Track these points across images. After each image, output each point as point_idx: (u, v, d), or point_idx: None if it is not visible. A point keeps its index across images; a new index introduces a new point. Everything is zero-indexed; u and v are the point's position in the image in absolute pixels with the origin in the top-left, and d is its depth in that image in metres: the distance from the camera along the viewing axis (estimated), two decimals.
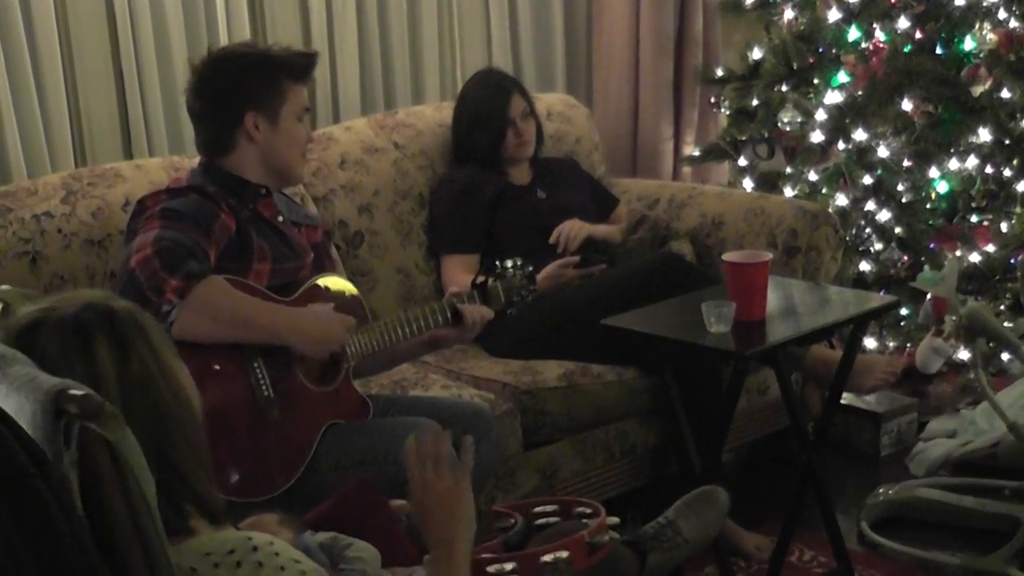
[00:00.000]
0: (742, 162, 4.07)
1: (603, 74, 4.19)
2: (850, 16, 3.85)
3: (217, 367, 2.24)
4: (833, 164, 3.82)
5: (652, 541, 2.10)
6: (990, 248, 3.68)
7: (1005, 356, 3.59)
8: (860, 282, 3.83)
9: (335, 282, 2.55)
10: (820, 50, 3.93)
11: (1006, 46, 3.59)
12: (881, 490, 3.17)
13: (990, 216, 3.73)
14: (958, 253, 3.67)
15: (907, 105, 3.69)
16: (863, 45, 3.83)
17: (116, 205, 2.72)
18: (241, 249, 2.38)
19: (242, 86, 2.44)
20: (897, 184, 3.80)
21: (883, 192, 3.82)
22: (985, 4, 3.65)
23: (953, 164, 3.73)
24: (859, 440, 3.55)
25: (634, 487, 3.10)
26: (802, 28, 3.96)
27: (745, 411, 3.21)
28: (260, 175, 2.49)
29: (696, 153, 4.18)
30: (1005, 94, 3.61)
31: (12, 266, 2.57)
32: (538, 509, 2.07)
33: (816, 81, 3.93)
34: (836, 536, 2.82)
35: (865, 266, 3.86)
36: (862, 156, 3.80)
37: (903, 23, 3.75)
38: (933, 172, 3.76)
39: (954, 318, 2.83)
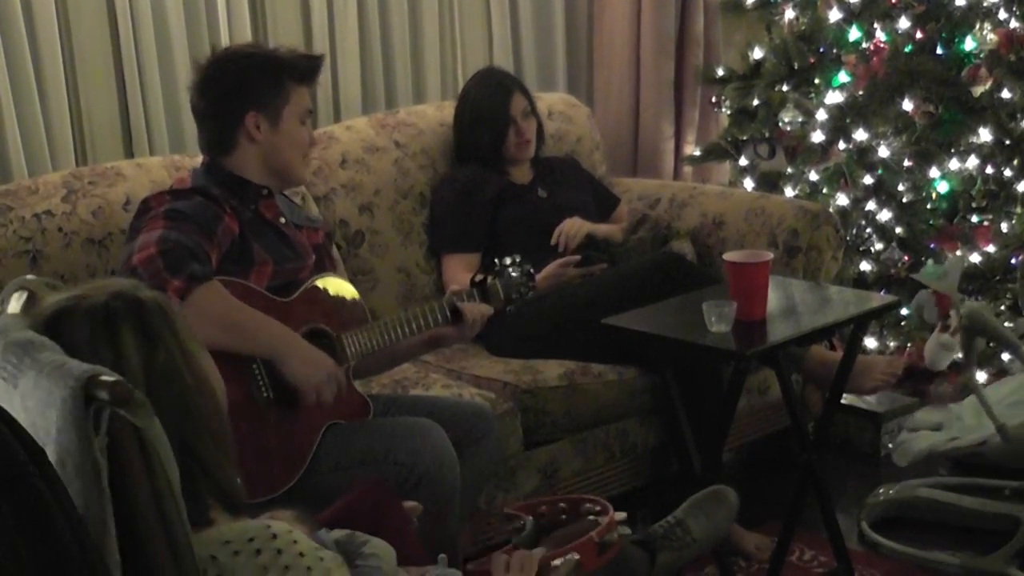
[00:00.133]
0: (743, 162, 4.07)
1: (604, 73, 4.19)
2: (851, 16, 3.85)
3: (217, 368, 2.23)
4: (834, 164, 3.82)
5: (662, 540, 2.11)
6: (990, 248, 3.68)
7: (1005, 356, 3.58)
8: (861, 282, 3.83)
9: (334, 283, 2.53)
10: (821, 50, 3.93)
11: (1006, 46, 3.59)
12: (881, 490, 3.17)
13: (990, 216, 3.73)
14: (958, 253, 3.67)
15: (908, 105, 3.69)
16: (864, 45, 3.84)
17: (117, 204, 2.72)
18: (243, 251, 2.38)
19: (244, 86, 2.44)
20: (898, 184, 3.80)
21: (884, 192, 3.82)
22: (985, 4, 3.65)
23: (954, 164, 3.73)
24: (859, 440, 3.55)
25: (634, 486, 3.10)
26: (803, 28, 3.97)
27: (745, 411, 3.21)
28: (261, 176, 2.48)
29: (697, 153, 4.18)
30: (1005, 94, 3.61)
31: (12, 265, 2.56)
32: (546, 509, 2.07)
33: (817, 81, 3.93)
34: (836, 536, 2.82)
35: (866, 266, 3.86)
36: (863, 156, 3.80)
37: (904, 23, 3.75)
38: (934, 172, 3.76)
39: (958, 312, 2.83)
